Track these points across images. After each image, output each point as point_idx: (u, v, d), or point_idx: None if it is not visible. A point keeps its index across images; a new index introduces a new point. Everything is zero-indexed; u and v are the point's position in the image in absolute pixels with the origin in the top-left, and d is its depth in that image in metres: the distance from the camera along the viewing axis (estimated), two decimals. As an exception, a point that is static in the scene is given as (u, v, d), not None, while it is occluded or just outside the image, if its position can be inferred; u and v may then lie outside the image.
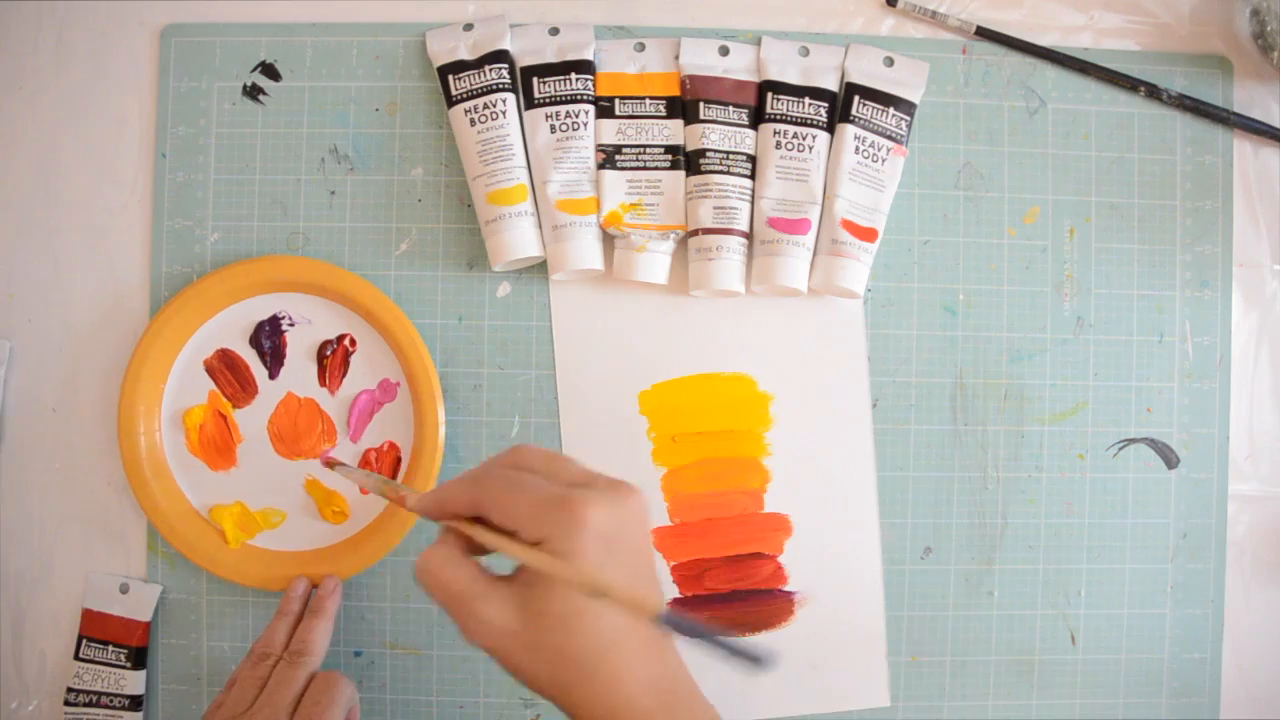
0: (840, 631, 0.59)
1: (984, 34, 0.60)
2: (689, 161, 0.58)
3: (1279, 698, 0.61)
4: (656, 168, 0.57)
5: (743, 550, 0.59)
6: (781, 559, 0.59)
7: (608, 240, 0.58)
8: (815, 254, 0.57)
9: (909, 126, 0.58)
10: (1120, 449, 0.60)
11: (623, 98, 0.58)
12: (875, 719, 0.59)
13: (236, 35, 0.59)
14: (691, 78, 0.58)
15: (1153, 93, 0.60)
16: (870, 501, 0.59)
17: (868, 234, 0.57)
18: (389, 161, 0.59)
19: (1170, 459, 0.60)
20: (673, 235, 0.57)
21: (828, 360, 0.59)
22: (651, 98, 0.58)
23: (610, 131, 0.58)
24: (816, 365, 0.59)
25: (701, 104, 0.57)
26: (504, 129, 0.57)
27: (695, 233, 0.57)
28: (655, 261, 0.57)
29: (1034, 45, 0.60)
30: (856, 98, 0.58)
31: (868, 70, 0.58)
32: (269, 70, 0.59)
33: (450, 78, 0.58)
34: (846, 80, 0.58)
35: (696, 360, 0.59)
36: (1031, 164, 0.60)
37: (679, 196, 0.57)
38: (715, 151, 0.57)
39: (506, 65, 0.58)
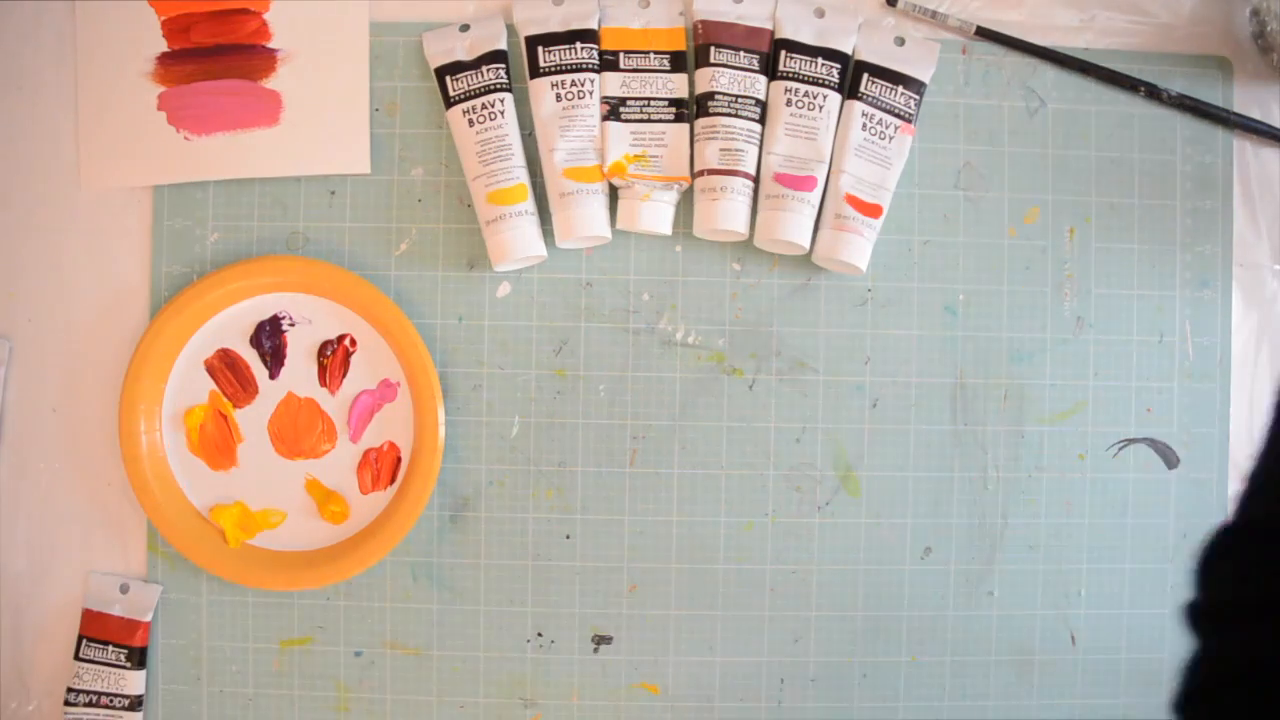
0: (323, 90, 0.58)
1: (984, 34, 0.60)
2: (698, 105, 0.58)
3: (1279, 698, 0.61)
4: (660, 120, 0.58)
5: (230, 5, 0.58)
6: (267, 16, 0.58)
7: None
8: (819, 228, 0.57)
9: (918, 105, 0.58)
10: (1120, 449, 0.60)
11: (627, 51, 0.58)
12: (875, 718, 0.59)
13: (236, 35, 0.59)
14: (704, 23, 0.58)
15: (1153, 93, 0.60)
16: None
17: (872, 210, 0.57)
18: (389, 161, 0.59)
19: (1170, 459, 0.60)
20: (676, 187, 0.57)
21: None
22: (655, 52, 0.58)
23: (615, 84, 0.58)
24: None
25: (713, 48, 0.58)
26: (503, 129, 0.57)
27: (701, 173, 0.57)
28: (659, 211, 0.57)
29: (1034, 45, 0.60)
30: (865, 75, 0.58)
31: (878, 48, 0.58)
32: (269, 70, 0.59)
33: (448, 79, 0.58)
34: (856, 58, 0.58)
35: None
36: (1031, 164, 0.60)
37: (683, 150, 0.58)
38: (724, 95, 0.57)
39: (504, 65, 0.58)
